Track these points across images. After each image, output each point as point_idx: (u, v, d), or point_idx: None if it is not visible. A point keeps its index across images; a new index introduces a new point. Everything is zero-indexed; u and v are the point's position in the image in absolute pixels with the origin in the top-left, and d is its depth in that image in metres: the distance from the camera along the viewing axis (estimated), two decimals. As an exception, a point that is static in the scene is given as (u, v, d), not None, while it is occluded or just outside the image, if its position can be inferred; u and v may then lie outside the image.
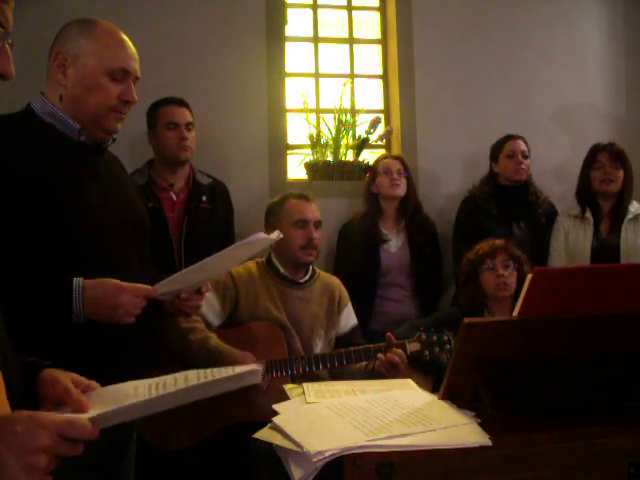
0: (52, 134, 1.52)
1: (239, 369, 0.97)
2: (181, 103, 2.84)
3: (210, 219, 2.84)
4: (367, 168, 3.41)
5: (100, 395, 0.97)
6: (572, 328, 1.24)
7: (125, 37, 1.57)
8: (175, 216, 2.78)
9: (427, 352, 2.25)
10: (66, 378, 0.98)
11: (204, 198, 2.84)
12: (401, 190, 3.11)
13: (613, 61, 3.93)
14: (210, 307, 2.21)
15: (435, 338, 2.26)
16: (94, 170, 1.57)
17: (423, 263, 3.14)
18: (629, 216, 3.01)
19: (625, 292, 1.24)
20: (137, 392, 0.94)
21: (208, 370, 1.00)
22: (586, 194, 3.07)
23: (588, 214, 3.04)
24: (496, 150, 3.23)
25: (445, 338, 2.25)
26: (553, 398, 1.23)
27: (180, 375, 1.00)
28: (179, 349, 2.12)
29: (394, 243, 3.15)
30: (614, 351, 1.27)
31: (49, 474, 0.76)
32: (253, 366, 0.98)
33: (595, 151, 3.06)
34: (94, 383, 1.01)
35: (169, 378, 0.99)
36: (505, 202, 3.17)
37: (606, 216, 3.05)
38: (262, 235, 1.61)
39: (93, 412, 0.89)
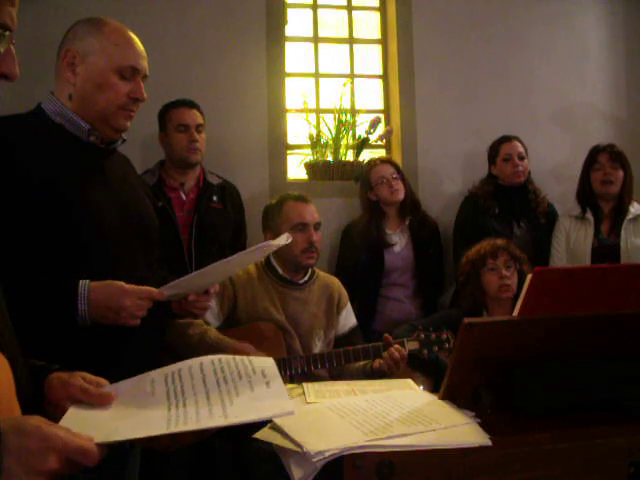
0: (62, 135, 1.52)
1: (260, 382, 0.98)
2: (191, 105, 2.86)
3: (221, 218, 2.85)
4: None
5: (118, 392, 0.98)
6: (572, 328, 1.23)
7: (133, 35, 1.57)
8: (184, 216, 2.79)
9: (426, 351, 2.25)
10: (77, 378, 0.98)
11: (215, 198, 2.86)
12: (402, 194, 3.10)
13: (613, 61, 3.93)
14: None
15: (434, 337, 2.26)
16: (102, 171, 1.57)
17: (426, 261, 3.13)
18: (629, 216, 3.01)
19: (625, 292, 1.24)
20: (154, 390, 0.96)
21: (225, 364, 1.02)
22: (586, 195, 3.08)
23: (589, 214, 3.06)
24: (492, 153, 3.24)
25: (444, 336, 2.25)
26: (553, 398, 1.23)
27: (195, 364, 1.01)
28: (178, 344, 2.12)
29: (398, 242, 3.14)
30: (614, 351, 1.27)
31: None
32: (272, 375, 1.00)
33: (595, 152, 3.07)
34: (102, 380, 1.01)
35: (184, 370, 1.01)
36: (506, 202, 3.18)
37: (606, 217, 3.06)
38: (271, 242, 1.62)
39: (111, 413, 0.90)
